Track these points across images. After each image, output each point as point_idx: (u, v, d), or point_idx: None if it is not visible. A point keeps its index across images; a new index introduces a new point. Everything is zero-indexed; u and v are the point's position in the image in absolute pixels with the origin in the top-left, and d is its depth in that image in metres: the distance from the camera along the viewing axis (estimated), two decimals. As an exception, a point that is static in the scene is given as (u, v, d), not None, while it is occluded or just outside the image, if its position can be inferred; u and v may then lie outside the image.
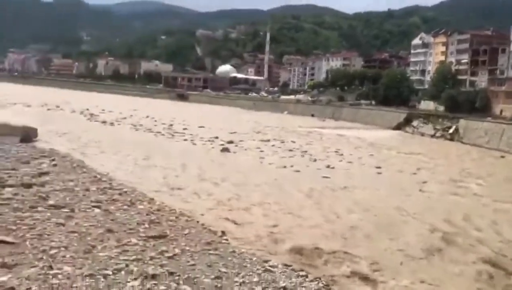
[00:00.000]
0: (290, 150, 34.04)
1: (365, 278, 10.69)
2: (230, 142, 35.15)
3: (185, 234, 9.98)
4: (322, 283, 8.43)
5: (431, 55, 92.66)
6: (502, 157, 40.05)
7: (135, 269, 7.49)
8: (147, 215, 11.08)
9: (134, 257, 8.04)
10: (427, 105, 75.03)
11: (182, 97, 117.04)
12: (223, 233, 11.16)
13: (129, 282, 6.96)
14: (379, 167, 28.47)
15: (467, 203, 20.48)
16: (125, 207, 11.57)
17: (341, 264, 11.36)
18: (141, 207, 11.87)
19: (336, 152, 34.78)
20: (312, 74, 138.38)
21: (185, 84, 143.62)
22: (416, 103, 79.17)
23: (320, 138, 45.22)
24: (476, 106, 63.56)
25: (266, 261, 9.08)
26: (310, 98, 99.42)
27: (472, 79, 77.87)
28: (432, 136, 55.38)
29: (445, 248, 13.53)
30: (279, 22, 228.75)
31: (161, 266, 7.79)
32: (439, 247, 13.53)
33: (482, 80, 74.49)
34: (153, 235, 9.45)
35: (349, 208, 17.48)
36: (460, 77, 78.38)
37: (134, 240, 8.96)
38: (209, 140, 35.74)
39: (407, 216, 16.93)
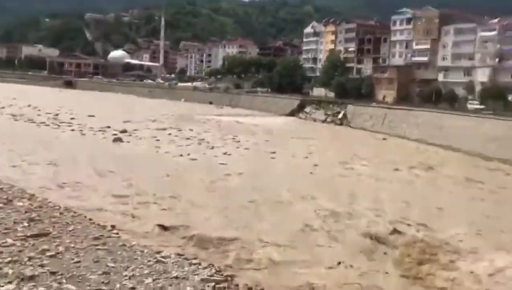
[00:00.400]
0: (188, 138, 33.72)
1: (265, 263, 10.81)
2: (124, 131, 33.83)
3: (70, 231, 9.44)
4: (215, 269, 8.47)
5: (322, 43, 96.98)
6: (384, 139, 43.56)
7: (10, 271, 6.95)
8: (26, 212, 10.28)
9: (9, 258, 7.45)
10: (319, 92, 78.72)
11: (70, 85, 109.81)
12: (113, 227, 10.73)
13: (2, 286, 6.43)
14: (273, 152, 29.34)
15: (353, 183, 21.97)
16: (1, 205, 10.60)
17: (240, 251, 11.39)
18: (20, 204, 10.98)
19: (233, 138, 35.19)
20: (209, 61, 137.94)
21: (73, 70, 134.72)
22: (309, 90, 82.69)
23: (218, 126, 45.39)
24: (362, 92, 68.24)
25: (158, 252, 8.91)
26: (207, 86, 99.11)
27: (358, 67, 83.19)
28: (323, 121, 58.38)
29: (339, 228, 14.26)
30: (174, 6, 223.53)
31: (41, 266, 7.30)
32: (336, 228, 14.18)
33: (367, 68, 79.93)
34: (33, 233, 8.82)
35: (245, 193, 17.77)
36: (348, 65, 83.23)
37: (10, 241, 8.28)
38: (100, 130, 34.01)
39: (301, 199, 17.66)
